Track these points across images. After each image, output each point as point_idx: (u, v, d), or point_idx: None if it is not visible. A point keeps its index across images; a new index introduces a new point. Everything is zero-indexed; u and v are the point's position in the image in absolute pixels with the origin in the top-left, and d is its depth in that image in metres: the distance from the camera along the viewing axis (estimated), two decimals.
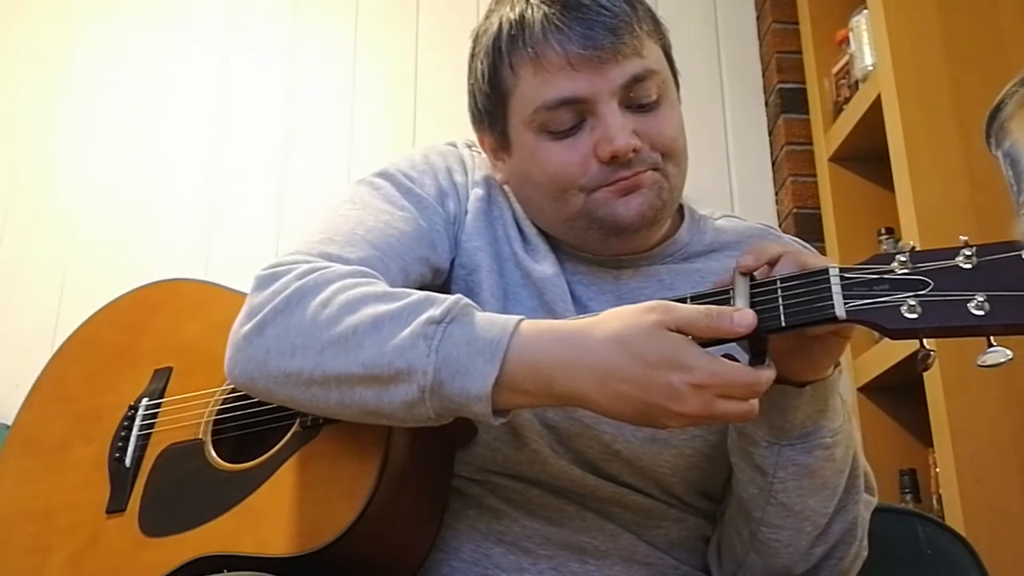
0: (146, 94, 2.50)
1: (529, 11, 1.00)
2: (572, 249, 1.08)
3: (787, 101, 2.51)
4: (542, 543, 0.99)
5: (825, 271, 0.83)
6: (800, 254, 0.89)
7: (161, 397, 1.12)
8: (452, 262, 1.05)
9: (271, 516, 0.95)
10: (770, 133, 2.56)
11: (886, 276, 0.81)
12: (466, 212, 1.08)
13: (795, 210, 2.39)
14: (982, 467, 1.70)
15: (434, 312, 0.87)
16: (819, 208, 2.38)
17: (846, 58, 2.31)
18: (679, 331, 0.83)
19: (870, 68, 2.17)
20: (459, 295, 0.90)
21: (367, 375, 0.87)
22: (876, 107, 2.06)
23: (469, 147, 1.15)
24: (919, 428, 2.02)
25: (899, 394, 2.10)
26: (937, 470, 1.84)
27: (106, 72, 2.52)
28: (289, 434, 0.99)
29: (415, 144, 2.43)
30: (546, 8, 0.99)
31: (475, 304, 0.89)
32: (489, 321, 0.86)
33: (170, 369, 1.14)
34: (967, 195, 1.85)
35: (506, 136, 1.05)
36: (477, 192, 1.09)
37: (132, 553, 1.02)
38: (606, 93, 0.98)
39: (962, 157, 1.87)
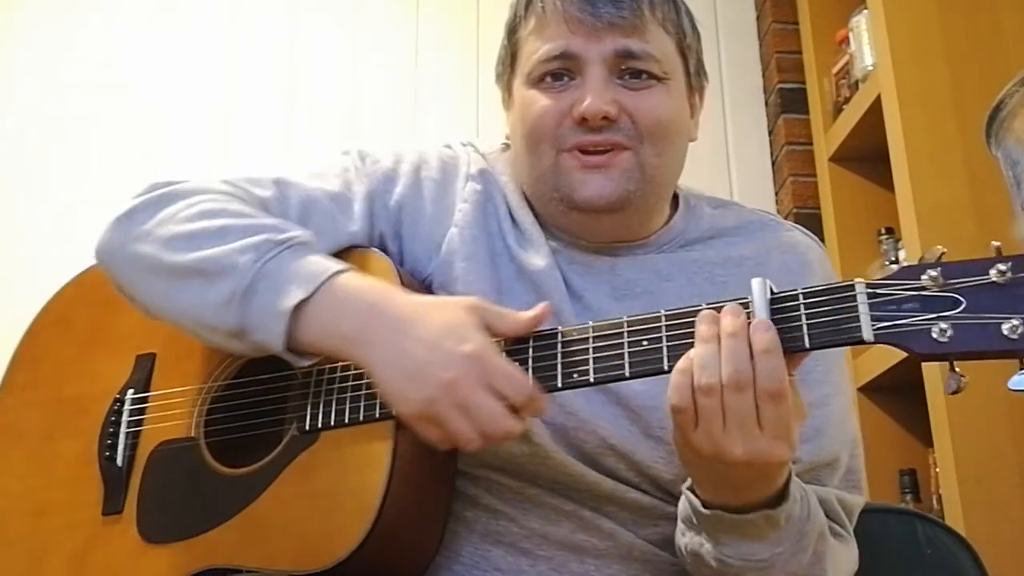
0: (146, 94, 2.50)
1: None
2: (564, 235, 1.08)
3: (787, 101, 2.51)
4: (540, 543, 0.99)
5: (852, 286, 0.79)
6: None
7: (147, 388, 1.09)
8: (439, 249, 1.06)
9: (276, 529, 0.94)
10: (770, 133, 2.56)
11: (916, 294, 0.77)
12: (463, 201, 1.09)
13: (795, 210, 2.39)
14: (982, 467, 1.70)
15: (276, 235, 0.94)
16: (819, 208, 2.38)
17: (846, 58, 2.31)
18: (488, 325, 0.89)
19: (870, 68, 2.17)
20: (309, 232, 0.97)
21: (196, 269, 0.94)
22: (876, 107, 2.06)
23: (464, 145, 1.17)
24: (919, 428, 2.02)
25: (899, 394, 2.10)
26: (937, 470, 1.84)
27: (105, 71, 2.52)
28: (287, 439, 0.98)
29: (416, 141, 2.43)
30: None
31: (317, 246, 0.96)
32: (319, 260, 0.93)
33: (153, 356, 1.10)
34: (967, 195, 1.85)
35: (511, 91, 1.10)
36: (474, 186, 1.10)
37: (134, 560, 1.00)
38: (595, 56, 1.02)
39: (962, 157, 1.87)
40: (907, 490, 1.97)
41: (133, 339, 1.12)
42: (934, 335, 0.75)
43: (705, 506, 0.88)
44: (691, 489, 0.90)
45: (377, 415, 0.93)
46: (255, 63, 2.55)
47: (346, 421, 0.95)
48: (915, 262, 0.79)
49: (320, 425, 0.96)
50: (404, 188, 1.10)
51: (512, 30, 1.10)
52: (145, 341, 1.11)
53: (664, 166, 1.05)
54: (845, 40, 2.32)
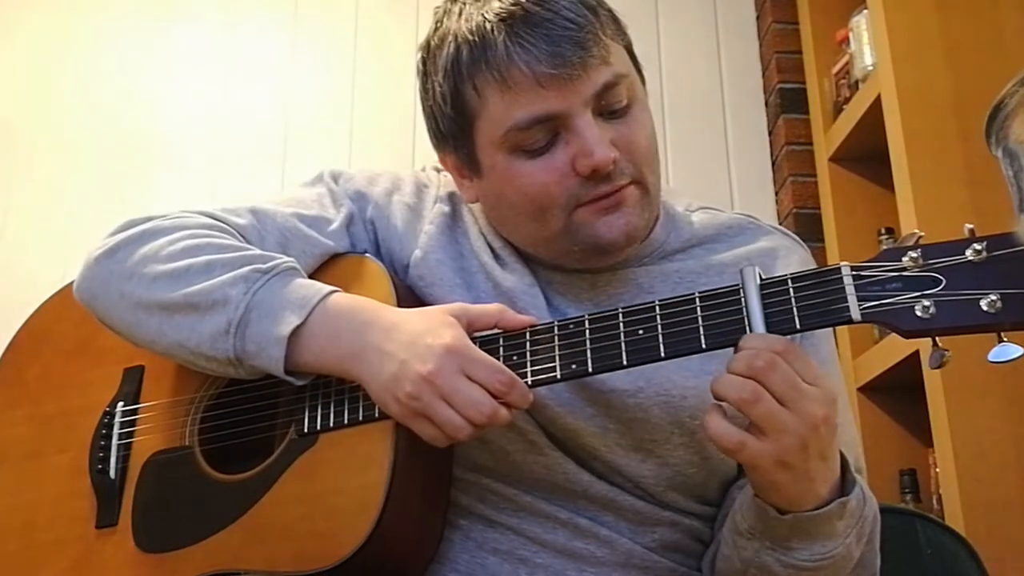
0: (146, 95, 2.50)
1: (488, 28, 0.95)
2: (546, 260, 1.06)
3: (787, 101, 2.50)
4: (537, 551, 0.99)
5: (838, 269, 0.83)
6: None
7: (136, 400, 1.08)
8: (407, 271, 1.06)
9: (278, 530, 0.93)
10: (770, 133, 2.56)
11: (898, 274, 0.81)
12: (429, 224, 1.09)
13: (795, 210, 2.39)
14: (982, 467, 1.70)
15: (262, 265, 0.96)
16: (819, 208, 2.38)
17: (846, 58, 2.31)
18: (470, 324, 0.92)
19: (870, 68, 2.17)
20: (292, 259, 0.99)
21: (187, 304, 0.96)
22: (876, 107, 2.06)
23: (437, 170, 1.15)
24: (919, 428, 2.02)
25: (899, 394, 2.10)
26: (937, 470, 1.84)
27: (105, 73, 2.52)
28: (285, 443, 0.97)
29: (415, 144, 2.43)
30: (506, 27, 0.94)
31: (300, 270, 0.98)
32: (308, 284, 0.96)
33: (141, 368, 1.10)
34: (967, 195, 1.85)
35: (474, 157, 1.02)
36: (441, 208, 1.09)
37: (132, 571, 0.99)
38: (579, 106, 0.95)
39: (962, 157, 1.87)
40: (907, 490, 1.97)
41: (119, 352, 1.11)
42: (918, 312, 0.79)
43: (781, 512, 0.88)
44: (758, 498, 0.90)
45: (376, 415, 0.94)
46: (251, 71, 2.56)
47: (345, 422, 0.95)
48: (895, 246, 0.83)
49: (319, 427, 0.96)
50: (375, 209, 1.10)
51: (456, 92, 0.99)
52: (132, 354, 1.10)
53: (659, 178, 1.05)
54: (845, 40, 2.32)
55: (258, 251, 1.00)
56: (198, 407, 1.05)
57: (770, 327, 0.84)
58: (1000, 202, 1.40)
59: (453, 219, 1.09)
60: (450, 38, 0.99)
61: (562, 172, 0.96)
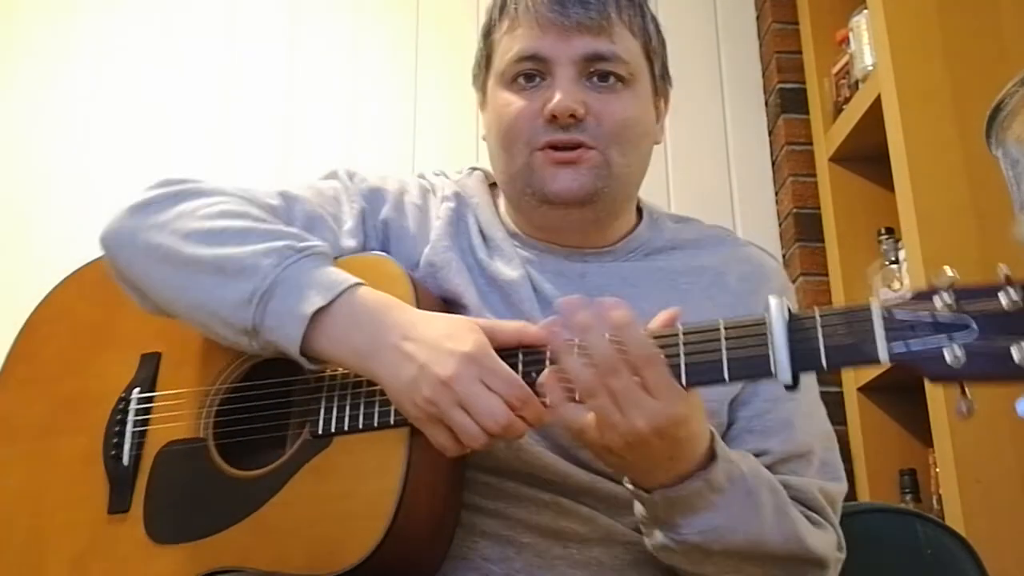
0: (145, 96, 2.50)
1: None
2: (538, 243, 1.13)
3: (787, 101, 2.50)
4: (523, 532, 1.01)
5: (867, 308, 0.81)
6: None
7: (152, 388, 1.08)
8: (417, 267, 1.09)
9: (288, 531, 0.93)
10: (770, 133, 2.56)
11: (930, 318, 0.78)
12: (436, 219, 1.14)
13: (795, 210, 2.39)
14: (982, 467, 1.70)
15: (297, 243, 0.98)
16: (819, 208, 2.38)
17: (846, 58, 2.31)
18: (490, 334, 0.92)
19: (870, 68, 2.17)
20: (326, 244, 1.01)
21: (216, 264, 0.96)
22: (876, 107, 2.06)
23: (436, 174, 1.22)
24: (919, 428, 2.02)
25: (899, 394, 2.10)
26: (937, 470, 1.84)
27: (104, 72, 2.52)
28: (299, 442, 0.97)
29: (415, 143, 2.44)
30: None
31: (331, 257, 1.00)
32: (338, 272, 0.96)
33: (158, 355, 1.10)
34: (967, 195, 1.85)
35: (486, 91, 1.15)
36: (448, 205, 1.15)
37: (141, 560, 0.99)
38: (565, 58, 1.07)
39: (962, 157, 1.87)
40: (907, 490, 1.97)
41: (136, 337, 1.12)
42: (947, 359, 0.77)
43: (648, 492, 0.90)
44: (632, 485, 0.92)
45: (392, 421, 0.94)
46: (256, 65, 2.56)
47: (360, 427, 0.95)
48: (927, 286, 0.81)
49: (334, 430, 0.96)
50: (389, 207, 1.14)
51: (487, 33, 1.15)
52: (149, 340, 1.11)
53: (629, 166, 1.10)
54: (845, 40, 2.32)
55: (295, 230, 1.02)
56: (213, 399, 1.05)
57: (795, 364, 0.81)
58: (1000, 202, 1.40)
59: (457, 216, 1.14)
60: None
61: (533, 111, 1.07)
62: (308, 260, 0.96)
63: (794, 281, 2.37)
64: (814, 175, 2.42)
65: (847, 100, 2.29)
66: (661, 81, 1.17)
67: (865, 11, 2.19)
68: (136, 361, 1.11)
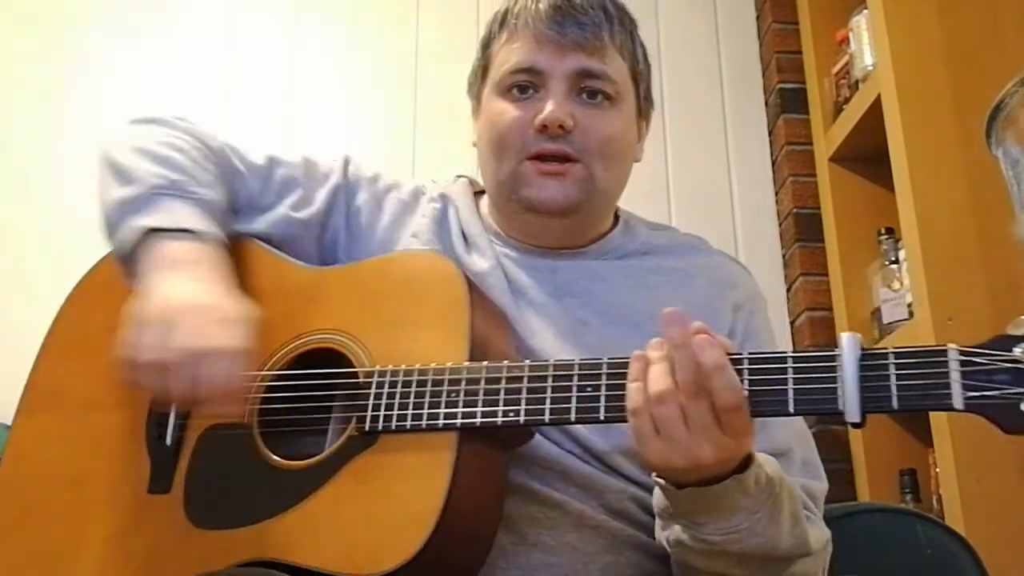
0: (145, 97, 2.50)
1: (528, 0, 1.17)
2: (517, 242, 1.19)
3: (787, 101, 2.50)
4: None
5: (944, 352, 0.79)
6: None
7: None
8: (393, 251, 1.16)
9: (330, 529, 0.93)
10: (770, 133, 2.56)
11: (1009, 365, 0.77)
12: (422, 216, 1.21)
13: (795, 210, 2.39)
14: (982, 467, 1.70)
15: (189, 185, 1.09)
16: (819, 208, 2.38)
17: (846, 58, 2.31)
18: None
19: (870, 68, 2.17)
20: (214, 196, 1.10)
21: (124, 172, 1.10)
22: (876, 107, 2.06)
23: (432, 183, 1.29)
24: (919, 428, 2.02)
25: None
26: (937, 470, 1.84)
27: (105, 73, 2.52)
28: (344, 437, 0.97)
29: (415, 144, 2.43)
30: (540, 1, 1.16)
31: (219, 214, 1.09)
32: (199, 216, 1.06)
33: None
34: (967, 195, 1.85)
35: (480, 99, 1.22)
36: (433, 205, 1.22)
37: (180, 542, 0.99)
38: (559, 72, 1.13)
39: (962, 157, 1.87)
40: (907, 490, 1.97)
41: None
42: (1023, 409, 0.76)
43: (678, 487, 0.90)
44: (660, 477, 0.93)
45: (440, 425, 0.94)
46: (254, 63, 2.56)
47: (408, 427, 0.95)
48: (1009, 332, 0.79)
49: (381, 428, 0.96)
50: (370, 197, 1.22)
51: (486, 45, 1.22)
52: None
53: (611, 180, 1.17)
54: (845, 40, 2.32)
55: (205, 176, 1.12)
56: (259, 387, 1.04)
57: (864, 402, 0.80)
58: (1000, 202, 1.40)
59: (442, 215, 1.21)
60: (506, 4, 1.21)
61: (525, 120, 1.13)
62: (186, 198, 1.07)
63: (794, 281, 2.37)
64: (814, 175, 2.42)
65: (847, 100, 2.29)
66: (645, 103, 1.24)
67: (865, 11, 2.19)
68: None
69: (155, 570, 0.99)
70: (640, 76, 1.22)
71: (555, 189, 1.13)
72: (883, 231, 2.13)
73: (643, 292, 1.14)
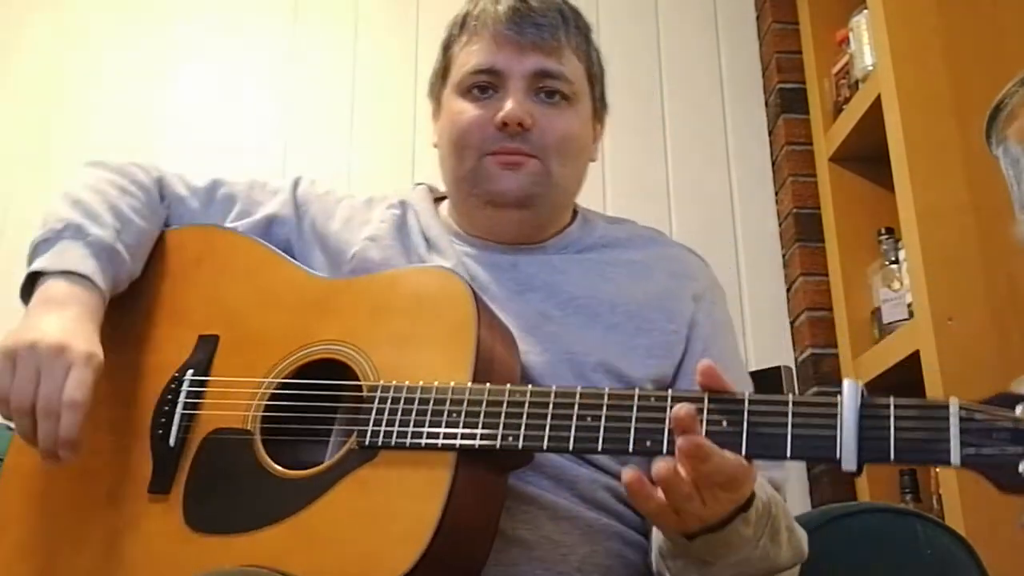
0: (145, 97, 2.50)
1: (487, 2, 1.21)
2: (477, 240, 1.22)
3: (787, 101, 2.50)
4: None
5: (946, 406, 0.79)
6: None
7: (207, 371, 1.09)
8: (352, 255, 1.19)
9: (325, 541, 0.93)
10: (770, 133, 2.56)
11: (1009, 425, 0.77)
12: (381, 222, 1.24)
13: (795, 210, 2.39)
14: None
15: (88, 226, 1.13)
16: (819, 208, 2.38)
17: (846, 58, 2.31)
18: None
19: (870, 68, 2.17)
20: (107, 236, 1.13)
21: (43, 219, 1.16)
22: (876, 107, 2.06)
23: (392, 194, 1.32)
24: None
25: (899, 394, 2.07)
26: (937, 470, 1.84)
27: (105, 73, 2.52)
28: (344, 450, 0.98)
29: (415, 145, 2.43)
30: (499, 3, 1.20)
31: (113, 251, 1.12)
32: (79, 260, 1.10)
33: (216, 338, 1.11)
34: (967, 195, 1.85)
35: (440, 101, 1.25)
36: (392, 212, 1.25)
37: (175, 546, 0.99)
38: (517, 72, 1.17)
39: (962, 157, 1.87)
40: (907, 490, 1.97)
41: (197, 316, 1.13)
42: (1021, 471, 0.76)
43: (690, 537, 0.91)
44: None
45: (440, 445, 0.94)
46: (254, 65, 2.56)
47: (407, 444, 0.95)
48: (1011, 391, 0.79)
49: (380, 443, 0.96)
50: (321, 208, 1.26)
51: (446, 47, 1.26)
52: (209, 321, 1.12)
53: (567, 177, 1.20)
54: (845, 40, 2.32)
55: (118, 213, 1.16)
56: (264, 392, 1.05)
57: (862, 452, 0.80)
58: (1000, 202, 1.40)
59: (402, 220, 1.24)
60: (464, 8, 1.25)
61: (485, 119, 1.17)
62: (79, 241, 1.11)
63: (794, 281, 2.37)
64: (814, 175, 2.42)
65: (847, 100, 2.29)
66: (600, 105, 1.28)
67: (865, 11, 2.19)
68: (194, 341, 1.11)
69: (150, 572, 1.00)
70: (595, 78, 1.26)
71: (512, 180, 1.16)
72: (883, 231, 2.13)
73: (603, 284, 1.17)
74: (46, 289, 1.08)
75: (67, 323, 1.03)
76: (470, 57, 1.20)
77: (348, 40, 2.58)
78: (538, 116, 1.16)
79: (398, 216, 1.24)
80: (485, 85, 1.18)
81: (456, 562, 0.93)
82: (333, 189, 1.31)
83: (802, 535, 1.01)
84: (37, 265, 1.10)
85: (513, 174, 1.16)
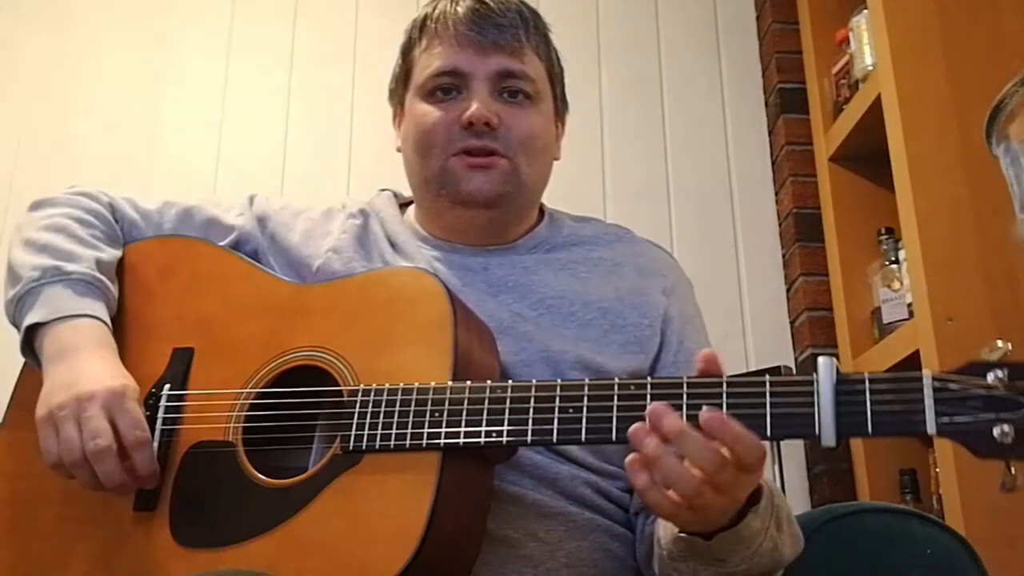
0: (145, 98, 2.50)
1: (446, 4, 1.21)
2: (445, 243, 1.21)
3: (787, 101, 2.50)
4: None
5: (919, 378, 0.81)
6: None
7: (183, 385, 1.08)
8: (315, 268, 1.18)
9: (315, 547, 0.93)
10: (770, 133, 2.56)
11: (981, 392, 0.78)
12: (342, 232, 1.22)
13: (795, 210, 2.39)
14: (982, 467, 1.69)
15: (65, 265, 1.11)
16: (819, 208, 2.38)
17: (846, 58, 2.31)
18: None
19: (870, 68, 2.17)
20: (90, 271, 1.11)
21: (11, 270, 1.14)
22: (876, 107, 2.06)
23: (353, 202, 1.31)
24: None
25: None
26: (937, 470, 1.84)
27: (105, 73, 2.52)
28: (329, 455, 0.97)
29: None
30: (459, 5, 1.20)
31: (96, 282, 1.11)
32: (73, 300, 1.09)
33: (191, 351, 1.10)
34: (967, 195, 1.85)
35: (403, 104, 1.25)
36: (353, 221, 1.24)
37: (164, 562, 0.99)
38: (481, 73, 1.17)
39: (962, 157, 1.87)
40: (907, 490, 1.97)
41: (170, 330, 1.12)
42: (996, 436, 0.77)
43: (706, 537, 0.91)
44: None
45: (424, 445, 0.94)
46: (254, 66, 2.56)
47: (392, 447, 0.95)
48: (981, 359, 0.80)
49: (365, 447, 0.96)
50: (279, 222, 1.24)
51: (406, 51, 1.25)
52: (183, 334, 1.11)
53: (534, 175, 1.21)
54: (845, 40, 2.32)
55: (86, 244, 1.15)
56: (243, 404, 1.04)
57: (840, 427, 0.81)
58: (1000, 202, 1.40)
59: (364, 230, 1.24)
60: (424, 11, 1.25)
61: (451, 119, 1.17)
62: (61, 284, 1.10)
63: (794, 281, 2.37)
64: (814, 175, 2.42)
65: (847, 100, 2.29)
66: (561, 104, 1.29)
67: (865, 11, 2.19)
68: (167, 355, 1.11)
69: None
70: (556, 78, 1.27)
71: (482, 180, 1.16)
72: (883, 231, 2.13)
73: (574, 283, 1.18)
74: (51, 343, 1.07)
75: (83, 368, 1.03)
76: (432, 60, 1.20)
77: (348, 49, 2.58)
78: (503, 115, 1.17)
79: (358, 225, 1.24)
80: (448, 87, 1.18)
81: (447, 560, 0.93)
82: (289, 203, 1.29)
83: (798, 527, 1.01)
84: (31, 320, 1.08)
85: (483, 175, 1.16)
